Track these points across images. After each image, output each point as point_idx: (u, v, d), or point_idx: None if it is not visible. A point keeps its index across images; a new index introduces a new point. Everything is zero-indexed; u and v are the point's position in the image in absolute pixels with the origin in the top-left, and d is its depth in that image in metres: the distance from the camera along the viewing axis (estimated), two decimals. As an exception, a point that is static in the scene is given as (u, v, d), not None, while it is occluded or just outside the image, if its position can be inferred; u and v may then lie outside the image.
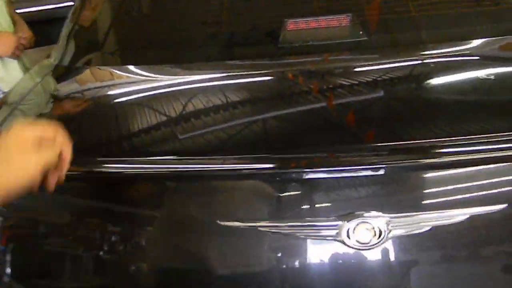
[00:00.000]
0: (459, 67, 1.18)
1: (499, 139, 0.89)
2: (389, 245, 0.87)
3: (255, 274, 0.90)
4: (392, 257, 0.88)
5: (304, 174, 0.89)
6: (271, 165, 0.89)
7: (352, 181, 0.88)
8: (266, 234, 0.88)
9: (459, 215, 0.87)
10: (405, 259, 0.89)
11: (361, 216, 0.86)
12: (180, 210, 0.92)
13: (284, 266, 0.90)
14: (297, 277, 0.90)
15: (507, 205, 0.88)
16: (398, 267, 0.89)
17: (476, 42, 1.25)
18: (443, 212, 0.87)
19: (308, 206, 0.89)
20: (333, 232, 0.86)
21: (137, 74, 1.30)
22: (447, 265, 0.91)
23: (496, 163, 0.89)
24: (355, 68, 1.22)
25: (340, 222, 0.86)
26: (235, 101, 1.10)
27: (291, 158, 0.90)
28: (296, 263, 0.89)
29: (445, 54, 1.23)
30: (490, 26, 1.32)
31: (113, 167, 0.94)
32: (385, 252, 0.88)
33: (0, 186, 0.70)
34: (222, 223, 0.89)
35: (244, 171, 0.90)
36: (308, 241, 0.87)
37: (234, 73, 1.24)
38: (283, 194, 0.90)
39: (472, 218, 0.88)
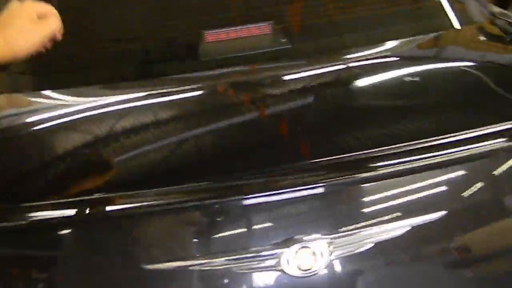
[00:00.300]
0: (386, 69, 1.16)
1: (433, 143, 0.87)
2: (332, 267, 0.82)
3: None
4: (338, 280, 0.83)
5: (235, 202, 0.82)
6: (197, 196, 0.81)
7: (286, 205, 0.82)
8: (198, 273, 0.80)
9: (400, 226, 0.84)
10: (352, 280, 0.85)
11: (301, 240, 0.80)
12: (99, 255, 0.82)
13: None
14: None
15: (447, 211, 0.86)
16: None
17: (397, 43, 1.25)
18: (385, 226, 0.84)
19: (241, 237, 0.82)
20: (272, 262, 0.80)
21: (51, 98, 1.18)
22: (396, 279, 0.87)
23: (432, 169, 0.87)
24: (285, 77, 1.17)
25: (278, 250, 0.80)
26: (158, 123, 1.01)
27: (219, 187, 0.82)
28: None
29: (371, 57, 1.21)
30: (410, 26, 1.32)
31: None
32: (330, 276, 0.83)
33: (9, 49, 0.80)
34: (146, 266, 0.80)
35: (170, 204, 0.82)
36: (246, 275, 0.80)
37: (154, 92, 1.14)
38: (212, 227, 0.82)
39: (413, 228, 0.85)
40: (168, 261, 0.80)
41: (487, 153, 0.88)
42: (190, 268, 0.80)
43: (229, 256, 0.80)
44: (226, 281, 0.81)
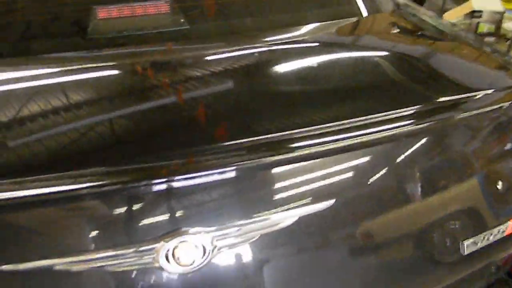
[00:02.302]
0: (291, 54, 1.12)
1: (338, 128, 0.84)
2: (216, 262, 0.78)
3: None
4: (222, 275, 0.79)
5: (112, 192, 0.73)
6: (65, 186, 0.72)
7: (167, 194, 0.76)
8: (65, 272, 0.72)
9: (288, 217, 0.81)
10: (237, 274, 0.80)
11: (182, 233, 0.74)
12: None
13: None
14: None
15: (344, 197, 0.85)
16: (231, 284, 0.80)
17: (306, 28, 1.22)
18: (272, 216, 0.80)
19: (118, 231, 0.74)
20: (149, 259, 0.74)
21: None
22: (284, 270, 0.84)
23: (335, 154, 0.85)
24: (181, 59, 1.09)
25: (156, 245, 0.74)
26: (37, 105, 0.90)
27: (96, 174, 0.73)
28: None
29: (277, 41, 1.17)
30: (319, 12, 1.30)
31: None
32: (213, 272, 0.78)
33: None
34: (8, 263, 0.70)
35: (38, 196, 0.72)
36: (120, 275, 0.73)
37: (35, 71, 1.02)
38: (85, 221, 0.74)
39: (309, 215, 0.82)
40: (40, 258, 0.71)
41: (390, 137, 0.88)
42: (59, 266, 0.71)
43: (100, 253, 0.72)
44: (99, 280, 0.74)
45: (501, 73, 1.10)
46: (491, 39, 4.56)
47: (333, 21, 1.25)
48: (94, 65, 1.02)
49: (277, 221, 0.80)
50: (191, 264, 0.75)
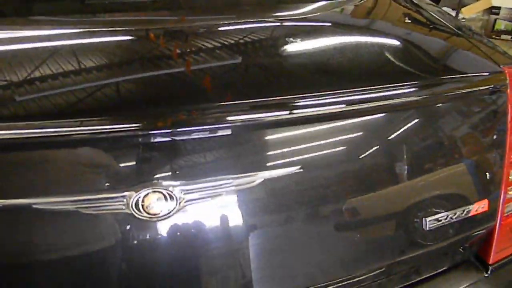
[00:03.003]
0: (304, 28, 1.19)
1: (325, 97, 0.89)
2: (183, 214, 0.83)
3: (25, 262, 0.80)
4: (187, 227, 0.85)
5: (93, 139, 0.78)
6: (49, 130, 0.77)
7: (143, 146, 0.81)
8: (41, 212, 0.78)
9: (259, 178, 0.86)
10: (202, 227, 0.86)
11: (153, 184, 0.80)
12: None
13: (67, 248, 0.81)
14: (81, 261, 0.82)
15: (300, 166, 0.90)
16: (193, 237, 0.85)
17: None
18: (240, 177, 0.85)
19: (91, 176, 0.80)
20: (120, 205, 0.80)
21: None
22: (247, 227, 0.89)
23: (317, 122, 0.90)
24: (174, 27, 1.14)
25: (127, 193, 0.80)
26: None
27: (80, 122, 0.77)
28: (81, 245, 0.81)
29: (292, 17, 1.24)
30: None
31: None
32: (180, 223, 0.84)
33: None
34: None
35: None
36: (91, 218, 0.79)
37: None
38: (65, 164, 0.80)
39: (268, 180, 0.87)
40: (15, 197, 0.77)
41: (361, 112, 0.93)
42: (34, 206, 0.78)
43: (77, 196, 0.78)
44: (71, 221, 0.80)
45: (481, 59, 1.13)
46: (507, 37, 4.51)
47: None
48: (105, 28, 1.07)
49: (245, 182, 0.86)
50: (158, 214, 0.81)
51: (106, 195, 0.79)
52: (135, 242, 0.82)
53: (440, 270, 1.15)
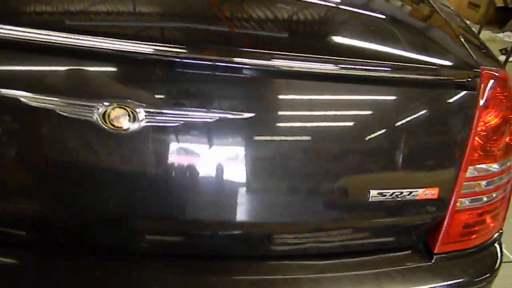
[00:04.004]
0: None
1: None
2: (143, 133, 0.95)
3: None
4: (143, 146, 0.97)
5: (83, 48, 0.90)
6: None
7: (119, 65, 0.94)
8: (22, 105, 0.90)
9: (211, 117, 0.96)
10: (156, 150, 0.98)
11: (123, 100, 0.92)
12: None
13: (31, 142, 0.95)
14: (42, 156, 0.96)
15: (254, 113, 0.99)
16: (145, 155, 0.98)
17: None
18: (198, 112, 0.96)
19: (71, 81, 0.93)
20: (89, 113, 0.92)
21: None
22: (194, 159, 1.00)
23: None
24: None
25: (98, 103, 0.92)
26: None
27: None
28: (46, 143, 0.95)
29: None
30: None
31: None
32: (138, 141, 0.96)
33: None
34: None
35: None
36: (63, 120, 0.92)
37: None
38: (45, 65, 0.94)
39: (220, 121, 0.96)
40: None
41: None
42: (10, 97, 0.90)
43: (52, 96, 0.91)
44: (43, 119, 0.93)
45: (463, 55, 1.18)
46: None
47: None
48: None
49: (201, 116, 0.96)
50: (120, 128, 0.93)
51: (79, 102, 0.92)
52: (95, 148, 0.96)
53: (385, 248, 1.22)
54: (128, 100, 0.93)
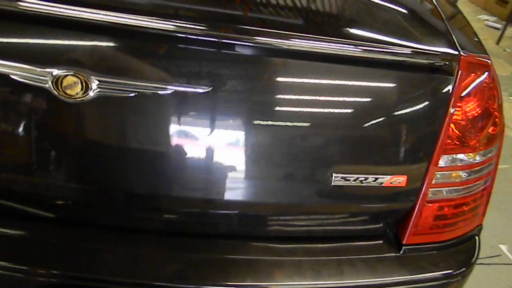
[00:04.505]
0: None
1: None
2: (93, 103, 0.93)
3: None
4: (95, 114, 0.96)
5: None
6: None
7: (75, 32, 0.92)
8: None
9: (165, 89, 0.95)
10: (105, 120, 0.98)
11: (76, 69, 0.91)
12: None
13: None
14: None
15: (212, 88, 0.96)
16: (95, 124, 0.98)
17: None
18: (152, 84, 0.94)
19: (26, 49, 0.93)
20: (43, 79, 0.91)
21: None
22: (146, 132, 0.98)
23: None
24: None
25: (52, 70, 0.91)
26: None
27: None
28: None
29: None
30: None
31: None
32: (89, 108, 0.95)
33: None
34: None
35: None
36: (18, 85, 0.91)
37: None
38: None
39: (175, 94, 0.95)
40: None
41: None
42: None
43: (11, 61, 0.91)
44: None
45: (443, 38, 1.12)
46: None
47: None
48: None
49: (154, 90, 0.94)
50: (72, 96, 0.92)
51: (34, 67, 0.92)
52: (48, 115, 0.96)
53: (352, 235, 1.18)
54: (82, 69, 0.92)
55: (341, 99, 1.03)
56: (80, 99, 0.93)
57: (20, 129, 0.97)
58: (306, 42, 0.96)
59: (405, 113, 1.07)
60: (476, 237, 1.27)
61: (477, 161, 1.15)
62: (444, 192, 1.15)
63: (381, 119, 1.05)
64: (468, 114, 1.10)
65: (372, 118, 1.04)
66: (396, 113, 1.06)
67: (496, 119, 1.17)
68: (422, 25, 1.18)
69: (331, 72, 1.02)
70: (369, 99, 1.04)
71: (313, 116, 1.02)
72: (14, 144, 0.99)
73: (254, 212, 1.11)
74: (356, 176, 1.05)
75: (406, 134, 1.08)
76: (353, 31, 1.08)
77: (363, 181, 1.06)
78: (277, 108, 1.01)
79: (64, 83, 0.92)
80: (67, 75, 0.92)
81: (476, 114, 1.12)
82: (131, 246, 1.08)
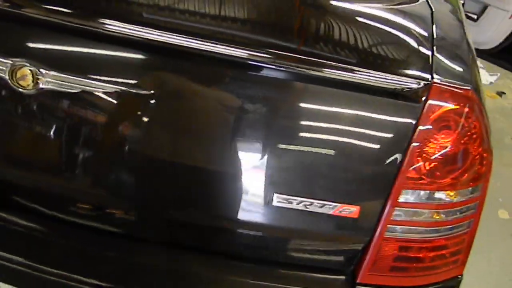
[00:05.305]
0: None
1: None
2: (42, 95, 0.98)
3: None
4: (43, 106, 1.00)
5: None
6: None
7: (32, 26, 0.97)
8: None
9: (110, 88, 0.96)
10: (57, 111, 1.01)
11: (30, 62, 0.95)
12: None
13: None
14: None
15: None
16: (47, 116, 1.01)
17: None
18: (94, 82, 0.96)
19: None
20: (3, 70, 0.96)
21: None
22: (91, 126, 1.01)
23: None
24: None
25: (9, 61, 0.95)
26: None
27: None
28: None
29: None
30: None
31: None
32: (39, 99, 0.99)
33: None
34: None
35: None
36: None
37: None
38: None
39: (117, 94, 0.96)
40: None
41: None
42: None
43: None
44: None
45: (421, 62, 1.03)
46: None
47: None
48: None
49: (100, 86, 0.97)
50: (24, 87, 0.96)
51: None
52: (4, 103, 1.01)
53: (311, 265, 1.10)
54: (33, 62, 0.96)
55: (290, 115, 0.98)
56: (31, 90, 0.98)
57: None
58: (253, 55, 0.94)
59: (362, 139, 0.99)
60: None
61: (450, 201, 1.03)
62: (407, 231, 1.04)
63: (333, 141, 0.98)
64: (438, 149, 1.00)
65: (323, 140, 0.98)
66: (352, 138, 0.98)
67: (478, 158, 1.04)
68: (402, 48, 1.10)
69: (280, 85, 0.98)
70: (321, 119, 0.98)
71: (264, 131, 0.98)
72: None
73: (198, 223, 1.08)
74: (300, 199, 0.99)
75: (361, 161, 0.99)
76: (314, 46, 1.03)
77: (308, 206, 0.99)
78: (230, 120, 0.99)
79: (18, 74, 0.98)
80: (21, 66, 0.97)
81: (450, 151, 1.01)
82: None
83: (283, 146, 0.98)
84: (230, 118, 0.99)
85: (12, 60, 0.96)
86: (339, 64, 0.96)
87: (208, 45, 0.93)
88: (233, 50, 0.93)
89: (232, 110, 0.99)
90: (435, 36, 1.12)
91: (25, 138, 1.05)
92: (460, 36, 1.26)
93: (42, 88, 0.97)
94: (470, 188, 1.05)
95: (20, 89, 0.98)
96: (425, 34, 1.12)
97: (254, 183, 1.00)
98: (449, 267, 1.11)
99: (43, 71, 0.96)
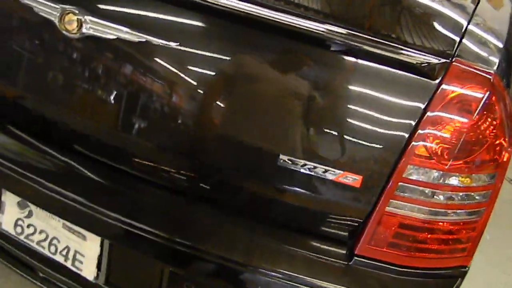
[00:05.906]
0: None
1: None
2: (85, 40, 1.09)
3: None
4: (83, 50, 1.12)
5: None
6: None
7: None
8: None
9: (143, 38, 1.05)
10: (94, 56, 1.12)
11: (76, 9, 1.06)
12: None
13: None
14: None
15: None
16: (86, 59, 1.13)
17: None
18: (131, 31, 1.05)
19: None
20: (54, 14, 1.08)
21: None
22: (127, 72, 1.10)
23: None
24: None
25: (60, 6, 1.07)
26: None
27: None
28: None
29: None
30: None
31: None
32: (83, 44, 1.10)
33: None
34: None
35: None
36: (34, 16, 1.10)
37: None
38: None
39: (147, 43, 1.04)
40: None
41: None
42: None
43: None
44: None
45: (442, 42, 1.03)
46: None
47: None
48: None
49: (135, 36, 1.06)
50: (70, 31, 1.07)
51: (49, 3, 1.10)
52: (52, 45, 1.14)
53: (313, 232, 1.12)
54: (81, 8, 1.08)
55: (304, 80, 1.02)
56: (75, 34, 1.09)
57: (29, 52, 1.18)
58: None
59: (372, 108, 1.00)
60: (457, 279, 1.10)
61: (459, 185, 1.01)
62: (410, 209, 1.03)
63: (343, 108, 1.00)
64: (451, 131, 0.98)
65: (333, 106, 1.00)
66: (361, 105, 1.00)
67: (495, 146, 1.01)
68: (433, 30, 1.09)
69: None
70: (340, 86, 1.00)
71: (276, 91, 1.03)
72: (17, 61, 1.19)
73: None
74: (304, 161, 1.01)
75: (368, 131, 1.00)
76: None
77: (311, 169, 1.01)
78: (243, 77, 1.05)
79: (65, 19, 1.10)
80: (69, 12, 1.09)
81: (463, 134, 0.98)
82: None
83: (295, 107, 1.02)
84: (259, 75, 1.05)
85: (62, 6, 1.09)
86: (375, 38, 0.97)
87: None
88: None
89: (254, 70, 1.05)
90: (471, 23, 1.10)
91: (69, 78, 1.16)
92: (500, 30, 1.22)
93: (84, 33, 1.08)
94: (484, 175, 1.02)
95: (65, 33, 1.10)
96: (462, 21, 1.11)
97: (264, 140, 1.05)
98: (454, 255, 1.08)
99: (87, 18, 1.07)
